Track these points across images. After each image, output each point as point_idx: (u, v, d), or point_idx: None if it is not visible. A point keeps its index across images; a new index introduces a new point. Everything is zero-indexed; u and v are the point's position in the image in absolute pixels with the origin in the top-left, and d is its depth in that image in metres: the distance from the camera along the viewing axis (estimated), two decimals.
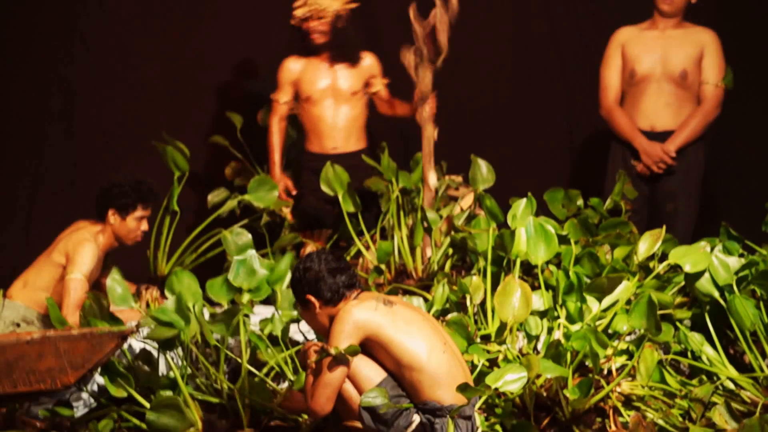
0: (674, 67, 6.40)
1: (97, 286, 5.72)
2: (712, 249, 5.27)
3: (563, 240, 5.40)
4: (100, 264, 5.71)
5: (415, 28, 5.85)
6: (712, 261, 5.23)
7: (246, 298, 5.27)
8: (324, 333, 4.69)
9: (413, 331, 4.56)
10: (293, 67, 6.43)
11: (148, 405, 4.89)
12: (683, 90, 6.40)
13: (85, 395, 5.13)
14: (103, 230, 5.73)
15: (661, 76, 6.40)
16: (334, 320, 4.60)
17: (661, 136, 6.39)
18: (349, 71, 6.41)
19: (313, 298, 4.65)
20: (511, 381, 4.61)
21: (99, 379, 5.11)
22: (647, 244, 5.34)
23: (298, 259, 5.36)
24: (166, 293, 5.12)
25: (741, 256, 5.39)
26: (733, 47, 6.58)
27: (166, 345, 4.98)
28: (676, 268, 5.45)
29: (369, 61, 6.44)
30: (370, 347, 4.58)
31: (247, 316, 5.19)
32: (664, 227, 5.43)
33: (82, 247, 5.63)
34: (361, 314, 4.56)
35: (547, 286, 5.28)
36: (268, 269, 5.33)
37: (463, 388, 4.48)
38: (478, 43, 6.86)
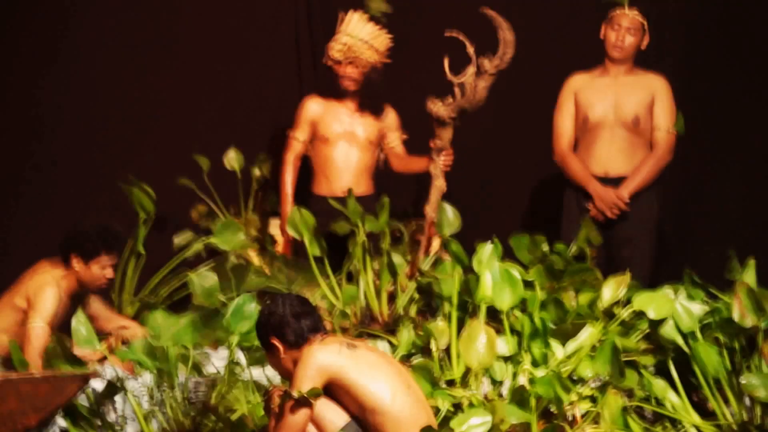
0: (627, 113, 6.45)
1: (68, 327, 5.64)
2: (676, 295, 5.29)
3: (528, 285, 5.42)
4: (64, 307, 5.61)
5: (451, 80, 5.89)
6: (676, 307, 5.26)
7: (236, 340, 5.25)
8: (288, 377, 4.68)
9: (377, 375, 4.55)
10: (314, 107, 6.47)
11: None
12: (636, 136, 6.46)
13: None
14: (66, 274, 5.60)
15: (613, 122, 6.46)
16: (297, 363, 4.59)
17: (615, 182, 6.44)
18: (368, 121, 6.47)
19: (277, 342, 4.64)
20: (475, 425, 4.63)
21: (61, 421, 5.07)
22: (611, 289, 5.37)
23: None
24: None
25: (704, 302, 5.42)
26: (684, 92, 6.66)
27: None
28: (640, 314, 5.47)
29: (390, 115, 6.52)
30: (334, 390, 4.57)
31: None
32: (629, 272, 5.45)
33: (43, 292, 5.48)
34: (324, 357, 4.55)
35: (513, 331, 5.29)
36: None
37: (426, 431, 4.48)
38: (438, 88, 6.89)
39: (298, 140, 6.51)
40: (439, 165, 6.05)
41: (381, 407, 4.52)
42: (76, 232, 5.59)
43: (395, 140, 6.54)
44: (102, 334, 5.50)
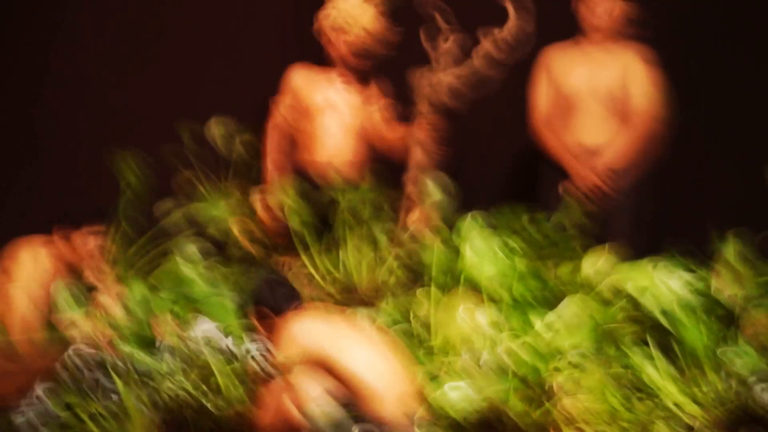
0: (608, 86, 6.43)
1: None
2: (655, 268, 5.31)
3: (509, 256, 5.42)
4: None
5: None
6: (655, 280, 5.27)
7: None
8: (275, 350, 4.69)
9: (352, 345, 4.56)
10: (299, 77, 6.42)
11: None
12: (620, 107, 6.43)
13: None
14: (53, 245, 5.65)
15: (599, 95, 6.43)
16: (280, 339, 4.60)
17: (596, 155, 6.41)
18: (358, 89, 6.43)
19: (259, 313, 4.64)
20: (454, 396, 4.63)
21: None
22: (591, 261, 5.38)
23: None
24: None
25: (685, 276, 5.42)
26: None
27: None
28: (620, 287, 5.48)
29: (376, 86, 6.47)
30: (310, 362, 4.57)
31: None
32: (608, 246, 5.46)
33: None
34: (301, 329, 4.55)
35: (492, 302, 5.30)
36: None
37: (403, 401, 4.49)
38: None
39: (279, 110, 6.50)
40: (416, 135, 6.03)
41: (356, 377, 4.52)
42: (57, 207, 5.66)
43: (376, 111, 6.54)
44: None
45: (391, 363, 4.61)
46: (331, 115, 6.48)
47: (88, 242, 5.63)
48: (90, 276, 5.84)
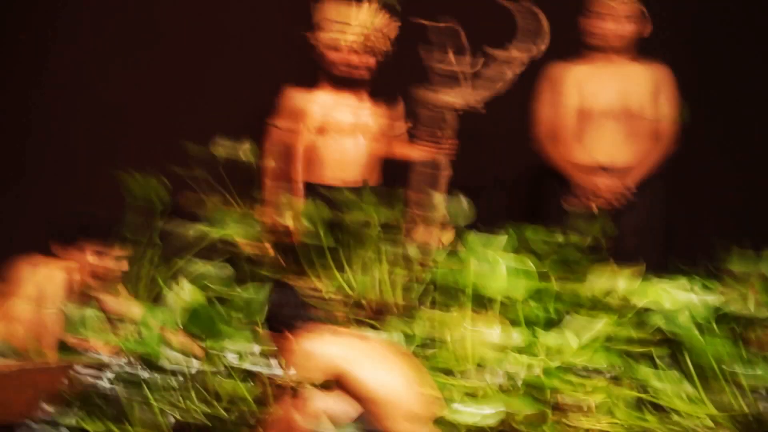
0: (629, 103, 6.44)
1: None
2: (690, 287, 5.30)
3: (543, 276, 5.43)
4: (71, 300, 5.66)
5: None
6: (686, 299, 5.26)
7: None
8: (287, 368, 4.70)
9: (365, 362, 4.55)
10: (300, 97, 6.44)
11: None
12: (635, 125, 6.44)
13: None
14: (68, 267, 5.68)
15: (616, 112, 6.45)
16: (294, 356, 4.59)
17: (616, 172, 6.41)
18: (374, 109, 6.46)
19: (278, 332, 4.66)
20: (489, 416, 4.63)
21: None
22: (627, 281, 5.38)
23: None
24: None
25: (697, 287, 5.41)
26: (691, 83, 6.65)
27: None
28: (651, 306, 5.47)
29: (396, 102, 6.48)
30: (323, 379, 4.58)
31: None
32: (644, 265, 5.46)
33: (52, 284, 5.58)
34: (320, 350, 4.55)
35: (527, 322, 5.30)
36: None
37: (415, 418, 4.47)
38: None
39: (279, 129, 6.49)
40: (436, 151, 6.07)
41: (374, 396, 4.52)
42: (50, 221, 5.67)
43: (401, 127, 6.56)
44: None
45: (404, 380, 4.60)
46: (353, 134, 6.48)
47: (99, 260, 5.64)
48: (100, 295, 5.85)
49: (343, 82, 6.43)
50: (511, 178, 7.20)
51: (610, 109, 6.46)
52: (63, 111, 6.97)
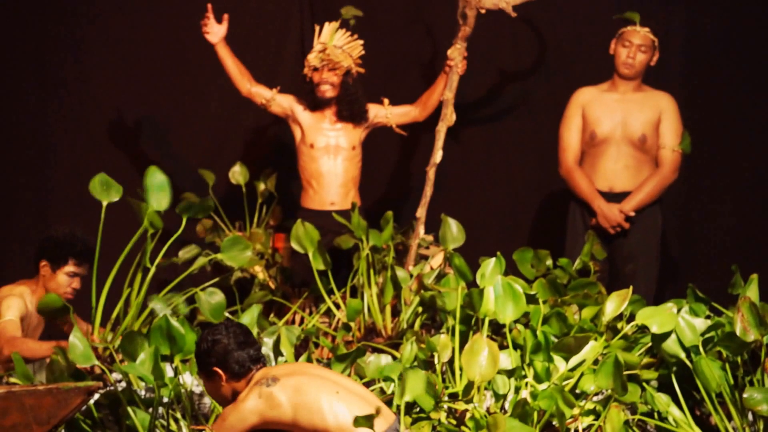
0: (634, 131, 6.48)
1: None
2: (678, 310, 5.29)
3: (532, 300, 5.42)
4: (37, 321, 5.64)
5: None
6: (679, 322, 5.25)
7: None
8: (225, 404, 4.66)
9: (307, 399, 4.52)
10: (298, 106, 6.48)
11: None
12: (642, 153, 6.49)
13: None
14: (35, 289, 5.66)
15: (620, 139, 6.49)
16: (232, 407, 4.57)
17: (619, 197, 6.46)
18: (349, 128, 6.48)
19: (219, 371, 4.63)
20: None
21: None
22: (614, 304, 5.36)
23: None
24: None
25: (707, 317, 5.42)
26: (692, 111, 6.68)
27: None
28: (643, 329, 5.47)
29: (372, 110, 6.50)
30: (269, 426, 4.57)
31: None
32: (631, 288, 5.46)
33: (6, 301, 5.57)
34: (256, 407, 4.53)
35: (515, 346, 5.29)
36: None
37: (368, 418, 4.44)
38: None
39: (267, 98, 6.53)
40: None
41: (321, 426, 4.50)
42: (45, 238, 5.66)
43: (388, 112, 6.55)
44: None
45: (344, 389, 4.56)
46: (334, 155, 6.49)
47: (74, 281, 5.63)
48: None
49: (318, 101, 6.47)
50: (536, 203, 7.25)
51: (612, 136, 6.49)
52: (77, 133, 7.01)
